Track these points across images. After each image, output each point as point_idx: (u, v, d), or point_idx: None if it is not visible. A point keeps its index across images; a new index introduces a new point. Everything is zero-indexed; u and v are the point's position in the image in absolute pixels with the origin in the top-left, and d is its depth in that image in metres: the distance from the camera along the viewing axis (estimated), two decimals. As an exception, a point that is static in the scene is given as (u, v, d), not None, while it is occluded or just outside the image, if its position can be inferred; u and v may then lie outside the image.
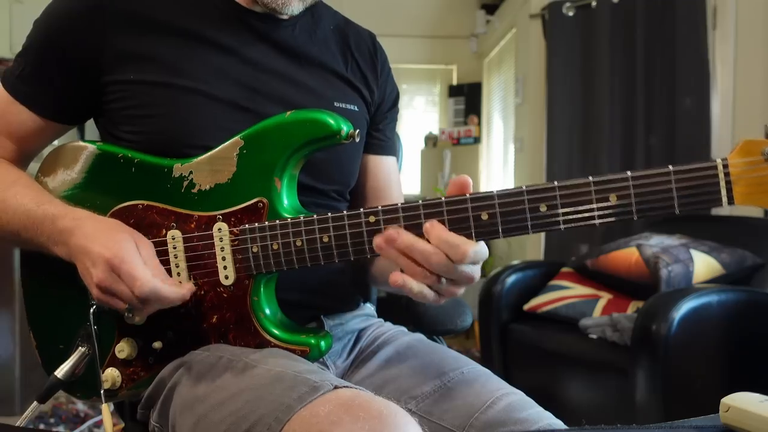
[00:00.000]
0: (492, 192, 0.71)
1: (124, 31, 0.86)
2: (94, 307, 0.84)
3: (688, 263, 2.08)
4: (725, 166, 0.65)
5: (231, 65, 0.88)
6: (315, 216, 0.77)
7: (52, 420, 2.54)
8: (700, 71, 2.75)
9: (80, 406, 2.67)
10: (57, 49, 0.86)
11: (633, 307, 2.12)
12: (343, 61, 0.99)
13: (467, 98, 4.95)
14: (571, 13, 3.31)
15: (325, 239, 0.76)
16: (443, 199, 0.72)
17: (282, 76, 0.91)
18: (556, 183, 0.69)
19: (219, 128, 0.84)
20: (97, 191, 0.85)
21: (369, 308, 1.06)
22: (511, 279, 2.48)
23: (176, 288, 0.77)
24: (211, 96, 0.86)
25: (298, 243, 0.77)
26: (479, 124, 4.86)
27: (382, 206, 0.74)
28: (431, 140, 4.95)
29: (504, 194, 0.70)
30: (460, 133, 4.84)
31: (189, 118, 0.85)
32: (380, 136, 1.04)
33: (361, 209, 0.75)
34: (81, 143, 0.90)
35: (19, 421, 0.85)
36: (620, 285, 2.22)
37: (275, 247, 0.78)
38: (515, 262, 2.70)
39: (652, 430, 0.63)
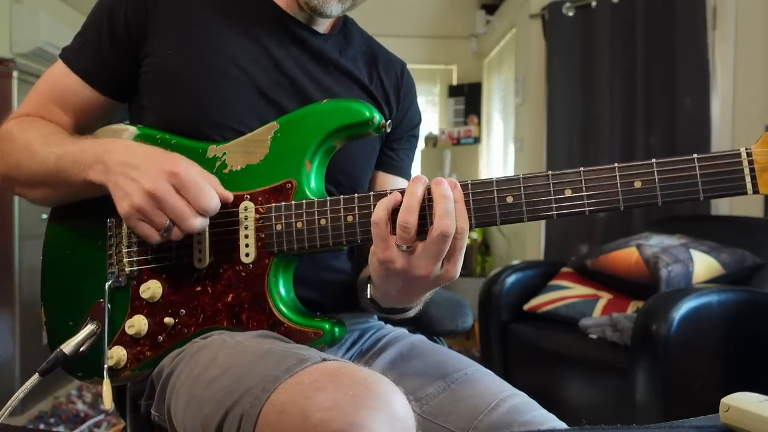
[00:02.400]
0: (518, 176, 0.72)
1: (170, 8, 0.91)
2: (111, 282, 0.86)
3: (688, 263, 2.08)
4: (749, 155, 0.66)
5: (264, 58, 0.92)
6: (341, 196, 0.79)
7: (52, 420, 2.54)
8: (700, 71, 2.74)
9: (80, 406, 2.67)
10: (110, 22, 0.91)
11: (633, 307, 2.12)
12: (369, 77, 1.02)
13: (467, 98, 4.95)
14: (571, 13, 3.31)
15: (350, 218, 0.78)
16: (469, 181, 0.74)
17: (308, 77, 0.94)
18: (581, 168, 0.71)
19: (242, 111, 0.87)
20: None
21: (369, 309, 1.06)
22: (511, 279, 2.48)
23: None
24: (240, 79, 0.89)
25: (323, 222, 0.79)
26: (479, 124, 4.86)
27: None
28: (431, 140, 4.95)
29: (529, 177, 0.72)
30: (460, 133, 4.84)
31: (216, 95, 0.88)
32: (392, 155, 1.05)
33: (388, 189, 0.76)
34: (122, 125, 0.92)
35: (19, 391, 0.84)
36: (620, 285, 2.22)
37: (299, 225, 0.80)
38: (515, 262, 2.70)
39: (652, 430, 0.63)
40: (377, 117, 0.81)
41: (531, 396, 0.85)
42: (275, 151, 0.84)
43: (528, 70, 3.70)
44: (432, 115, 5.13)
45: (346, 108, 0.82)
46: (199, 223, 0.79)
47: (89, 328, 0.86)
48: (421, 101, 5.57)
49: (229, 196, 0.82)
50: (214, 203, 0.79)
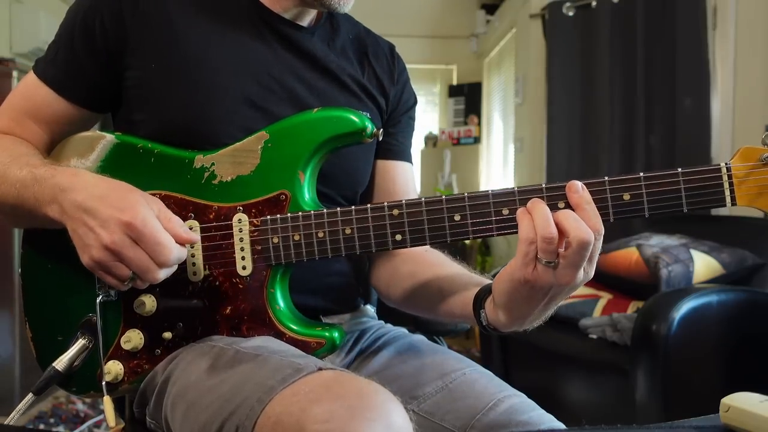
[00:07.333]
0: (512, 188, 0.74)
1: (150, 17, 0.87)
2: (101, 297, 0.84)
3: (688, 263, 2.08)
4: (728, 169, 0.71)
5: (249, 63, 0.90)
6: (338, 209, 0.79)
7: (52, 420, 2.54)
8: (700, 71, 2.74)
9: (80, 406, 2.67)
10: (86, 32, 0.87)
11: (633, 307, 2.12)
12: (360, 68, 1.00)
13: (467, 98, 4.95)
14: (571, 13, 3.31)
15: (348, 231, 0.79)
16: (466, 194, 0.75)
17: (297, 78, 0.92)
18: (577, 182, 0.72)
19: (231, 123, 0.85)
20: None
21: (369, 310, 1.06)
22: (511, 279, 2.47)
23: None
24: (228, 91, 0.87)
25: (320, 234, 0.79)
26: (479, 124, 4.86)
27: (405, 200, 0.77)
28: (431, 140, 4.95)
29: (523, 191, 0.73)
30: (460, 133, 4.84)
31: (204, 110, 0.86)
32: (392, 140, 1.03)
33: (385, 203, 0.77)
34: (97, 132, 0.89)
35: (14, 413, 0.83)
36: (620, 285, 2.22)
37: (297, 238, 0.80)
38: (515, 262, 2.69)
39: (652, 430, 0.63)
40: (369, 126, 0.82)
41: (531, 396, 0.85)
42: (267, 161, 0.83)
43: (528, 70, 3.70)
44: (432, 115, 5.13)
45: (338, 117, 0.82)
46: (163, 273, 0.75)
47: (80, 342, 0.84)
48: (421, 101, 5.59)
49: (195, 238, 0.79)
50: (173, 256, 0.74)
